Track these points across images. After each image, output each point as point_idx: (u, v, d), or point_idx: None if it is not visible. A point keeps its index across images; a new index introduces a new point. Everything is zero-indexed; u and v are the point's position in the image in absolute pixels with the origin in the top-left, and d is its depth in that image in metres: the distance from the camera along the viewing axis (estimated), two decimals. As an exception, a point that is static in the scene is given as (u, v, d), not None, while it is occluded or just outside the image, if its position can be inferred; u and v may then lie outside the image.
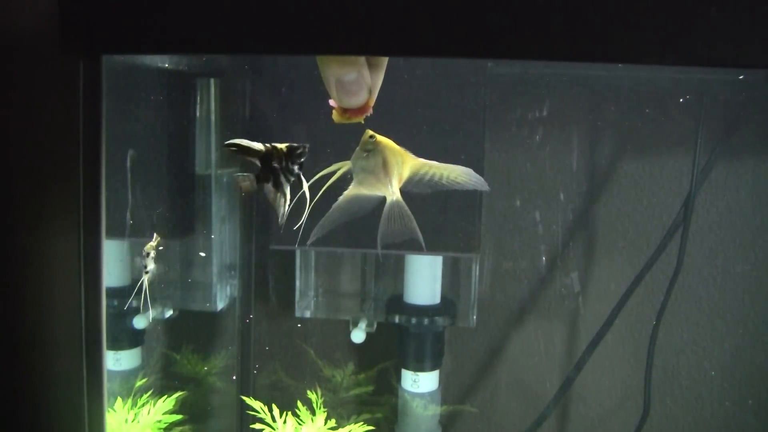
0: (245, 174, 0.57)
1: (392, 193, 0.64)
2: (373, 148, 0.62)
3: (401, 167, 0.64)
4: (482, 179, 0.66)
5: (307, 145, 0.57)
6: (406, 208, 0.64)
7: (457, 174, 0.65)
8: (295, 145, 0.57)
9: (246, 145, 0.56)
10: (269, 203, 0.57)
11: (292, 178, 0.57)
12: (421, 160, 0.65)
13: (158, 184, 1.05)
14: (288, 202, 0.57)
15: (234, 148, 0.55)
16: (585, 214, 1.23)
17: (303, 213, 0.60)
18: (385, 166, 0.62)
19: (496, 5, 0.45)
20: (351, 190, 0.65)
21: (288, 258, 1.20)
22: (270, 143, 0.57)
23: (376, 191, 0.64)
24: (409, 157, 0.64)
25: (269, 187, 0.57)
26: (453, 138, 1.00)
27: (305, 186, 0.58)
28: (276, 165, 0.56)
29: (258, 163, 0.56)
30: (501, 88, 1.14)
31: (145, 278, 0.90)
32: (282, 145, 0.57)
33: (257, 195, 0.57)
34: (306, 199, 0.59)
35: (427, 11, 0.46)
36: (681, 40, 0.45)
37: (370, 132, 0.62)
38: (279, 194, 0.57)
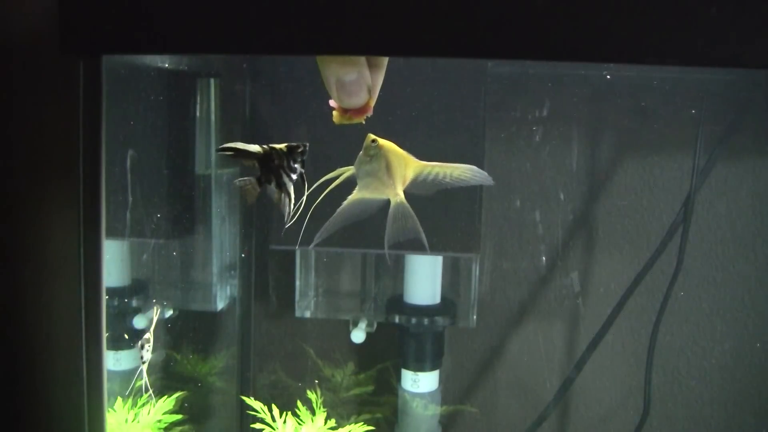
0: (246, 178, 0.56)
1: (396, 195, 0.64)
2: (376, 153, 0.62)
3: (404, 170, 0.64)
4: (486, 174, 0.66)
5: (307, 144, 0.57)
6: (410, 209, 0.64)
7: (460, 171, 0.66)
8: (295, 144, 0.56)
9: (242, 148, 0.54)
10: (274, 205, 0.57)
11: (295, 177, 0.56)
12: (424, 162, 0.65)
13: (158, 184, 1.05)
14: (293, 201, 0.57)
15: (230, 152, 0.54)
16: (585, 214, 1.23)
17: (304, 213, 0.60)
18: (388, 170, 0.62)
19: (496, 5, 0.45)
20: (355, 195, 0.65)
21: (288, 258, 1.20)
22: (268, 144, 0.56)
23: (381, 195, 0.64)
24: (412, 160, 0.64)
25: (272, 188, 0.56)
26: (453, 138, 1.00)
27: (306, 185, 0.58)
28: (276, 165, 0.56)
29: (257, 165, 0.55)
30: (501, 88, 1.14)
31: (144, 367, 0.91)
32: (281, 145, 0.56)
33: (261, 198, 0.56)
34: (307, 199, 0.58)
35: (427, 11, 0.46)
36: (681, 40, 0.45)
37: (373, 136, 0.62)
38: (283, 194, 0.56)
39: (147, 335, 0.91)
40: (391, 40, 0.47)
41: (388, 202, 0.65)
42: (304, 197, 0.58)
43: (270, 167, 0.55)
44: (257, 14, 0.47)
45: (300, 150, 0.56)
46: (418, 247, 0.69)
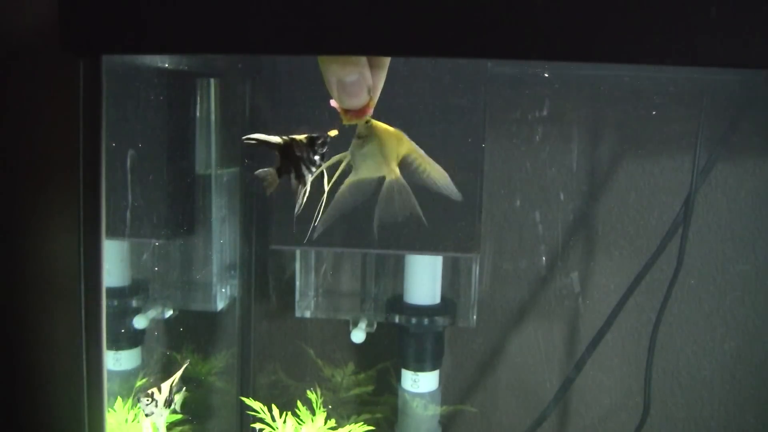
0: (266, 169, 0.56)
1: (391, 171, 0.64)
2: (369, 133, 0.62)
3: (397, 146, 0.64)
4: (455, 189, 0.67)
5: (328, 136, 0.57)
6: (406, 184, 0.65)
7: (438, 176, 0.66)
8: (316, 135, 0.57)
9: (264, 139, 0.55)
10: (291, 195, 0.56)
11: (314, 169, 0.56)
12: (414, 143, 0.66)
13: (158, 184, 1.05)
14: (308, 193, 0.57)
15: (253, 142, 0.55)
16: (585, 214, 1.23)
17: (310, 210, 0.60)
18: (382, 148, 0.63)
19: (496, 5, 0.45)
20: (351, 178, 0.66)
21: (288, 258, 1.20)
22: (288, 136, 0.56)
23: (376, 173, 0.65)
24: (404, 137, 0.65)
25: (291, 178, 0.56)
26: (453, 138, 1.00)
27: (326, 179, 0.58)
28: (297, 156, 0.56)
29: (277, 155, 0.55)
30: (501, 88, 1.14)
31: (148, 420, 0.86)
32: (301, 136, 0.56)
33: (282, 189, 0.56)
34: (318, 194, 0.58)
35: (427, 11, 0.46)
36: (681, 40, 0.45)
37: (367, 117, 0.63)
38: (300, 185, 0.56)
39: (151, 390, 0.86)
40: (391, 40, 0.47)
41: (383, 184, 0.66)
42: (327, 188, 0.58)
43: (290, 158, 0.55)
44: (257, 14, 0.47)
45: (321, 141, 0.56)
46: (416, 223, 0.69)
